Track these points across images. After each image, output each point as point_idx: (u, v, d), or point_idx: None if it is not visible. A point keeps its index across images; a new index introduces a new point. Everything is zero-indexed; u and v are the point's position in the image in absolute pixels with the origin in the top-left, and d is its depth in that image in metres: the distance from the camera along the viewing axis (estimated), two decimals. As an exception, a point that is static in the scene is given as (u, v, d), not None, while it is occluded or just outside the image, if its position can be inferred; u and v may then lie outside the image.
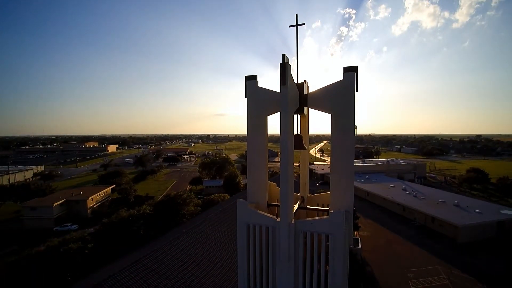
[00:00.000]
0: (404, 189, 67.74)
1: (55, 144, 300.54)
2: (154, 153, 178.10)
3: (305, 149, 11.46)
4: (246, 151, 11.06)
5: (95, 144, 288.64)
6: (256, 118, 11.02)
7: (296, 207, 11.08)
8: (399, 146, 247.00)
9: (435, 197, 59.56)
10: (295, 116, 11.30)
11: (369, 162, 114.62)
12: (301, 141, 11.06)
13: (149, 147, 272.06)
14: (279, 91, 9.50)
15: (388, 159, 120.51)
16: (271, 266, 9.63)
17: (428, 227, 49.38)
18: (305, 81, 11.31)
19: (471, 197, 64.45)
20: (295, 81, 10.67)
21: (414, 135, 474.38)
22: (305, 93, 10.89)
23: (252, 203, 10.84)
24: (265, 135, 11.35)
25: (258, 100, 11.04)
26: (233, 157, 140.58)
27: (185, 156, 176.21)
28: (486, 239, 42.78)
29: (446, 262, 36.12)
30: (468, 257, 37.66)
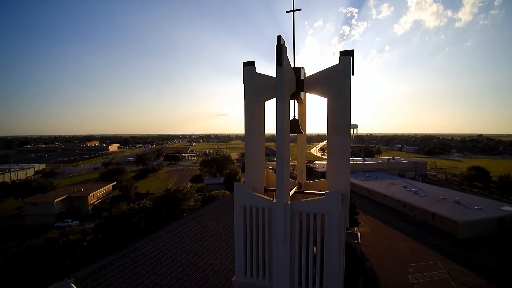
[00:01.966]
0: (405, 187, 67.68)
1: (56, 143, 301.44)
2: (155, 152, 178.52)
3: (301, 133, 11.54)
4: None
5: (97, 144, 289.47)
6: (253, 104, 11.07)
7: (293, 191, 11.17)
8: (400, 146, 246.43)
9: (435, 194, 59.49)
10: (292, 101, 11.40)
11: (369, 160, 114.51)
12: (297, 125, 11.13)
13: (150, 146, 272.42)
14: (276, 77, 9.61)
15: (389, 157, 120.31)
16: (267, 247, 9.70)
17: (428, 223, 49.35)
18: (302, 67, 11.37)
19: (472, 195, 64.37)
20: (292, 66, 10.75)
21: (415, 134, 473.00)
22: (302, 77, 10.96)
23: (249, 187, 10.93)
24: (262, 121, 11.40)
25: (255, 85, 11.10)
26: (234, 156, 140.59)
27: (186, 155, 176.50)
28: (487, 235, 42.69)
29: (446, 258, 36.11)
30: (469, 252, 37.61)
